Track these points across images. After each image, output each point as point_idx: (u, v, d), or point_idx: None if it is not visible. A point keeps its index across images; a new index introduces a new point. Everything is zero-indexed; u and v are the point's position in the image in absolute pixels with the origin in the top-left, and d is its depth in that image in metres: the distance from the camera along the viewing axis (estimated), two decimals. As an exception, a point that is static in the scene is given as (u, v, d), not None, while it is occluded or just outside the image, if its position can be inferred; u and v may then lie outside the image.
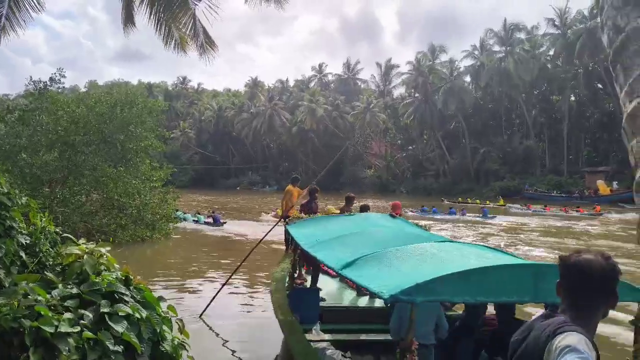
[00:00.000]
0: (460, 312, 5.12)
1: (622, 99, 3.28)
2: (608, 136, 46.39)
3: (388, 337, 4.34)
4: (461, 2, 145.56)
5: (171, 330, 2.99)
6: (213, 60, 8.74)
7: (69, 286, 2.80)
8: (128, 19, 8.59)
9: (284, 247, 9.47)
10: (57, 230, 3.43)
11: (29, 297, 2.57)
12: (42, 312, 2.45)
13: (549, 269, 2.71)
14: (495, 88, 50.44)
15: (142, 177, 15.48)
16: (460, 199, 40.57)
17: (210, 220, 20.78)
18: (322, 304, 5.70)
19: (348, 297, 6.50)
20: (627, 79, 3.22)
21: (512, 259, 3.43)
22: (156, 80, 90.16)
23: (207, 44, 8.49)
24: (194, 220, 21.17)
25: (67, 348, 2.37)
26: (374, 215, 6.25)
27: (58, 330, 2.40)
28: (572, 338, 1.42)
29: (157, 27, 8.21)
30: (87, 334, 2.47)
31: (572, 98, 50.13)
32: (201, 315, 7.48)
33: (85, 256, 3.02)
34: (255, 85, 75.65)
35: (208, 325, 7.17)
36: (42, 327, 2.38)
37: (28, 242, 3.11)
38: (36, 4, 7.81)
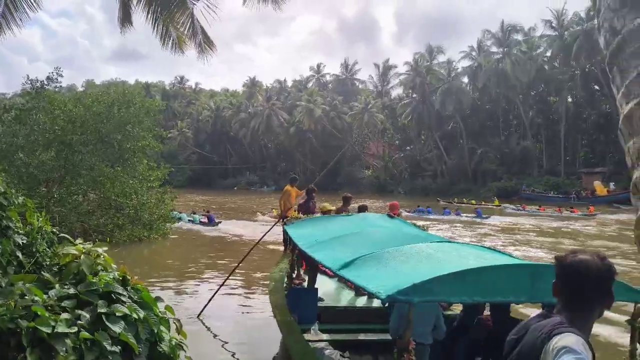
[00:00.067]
0: (458, 312, 5.13)
1: (618, 100, 3.30)
2: (605, 137, 46.55)
3: (386, 336, 4.35)
4: (459, 4, 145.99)
5: (169, 330, 2.98)
6: (211, 60, 8.74)
7: (65, 286, 2.80)
8: (125, 18, 8.57)
9: (280, 248, 9.46)
10: (54, 230, 3.42)
11: (26, 297, 2.56)
12: (39, 313, 2.44)
13: (546, 269, 2.73)
14: (493, 89, 50.54)
15: (139, 177, 15.45)
16: (455, 199, 40.66)
17: (206, 220, 20.79)
18: (320, 303, 5.70)
19: (346, 297, 6.50)
20: (623, 81, 3.23)
21: (509, 259, 3.44)
22: (154, 79, 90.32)
23: (205, 43, 8.47)
24: (189, 220, 21.16)
25: (64, 348, 2.37)
26: (372, 216, 6.27)
27: (55, 330, 2.40)
28: (568, 339, 1.43)
29: (154, 26, 8.18)
30: (85, 334, 2.47)
31: (569, 99, 50.28)
32: (199, 315, 7.47)
33: (82, 256, 3.01)
34: (253, 85, 75.61)
35: (206, 326, 7.16)
36: (39, 327, 2.37)
37: (25, 242, 3.09)
38: (33, 2, 7.77)
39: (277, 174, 64.05)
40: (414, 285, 2.55)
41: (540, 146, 51.14)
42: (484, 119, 54.70)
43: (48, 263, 3.13)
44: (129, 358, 2.60)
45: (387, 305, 3.74)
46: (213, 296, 7.79)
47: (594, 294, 1.55)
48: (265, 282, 7.95)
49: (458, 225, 23.52)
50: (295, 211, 8.45)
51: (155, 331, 2.81)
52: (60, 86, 16.53)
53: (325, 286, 6.61)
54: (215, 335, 6.84)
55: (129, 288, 2.95)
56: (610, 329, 6.75)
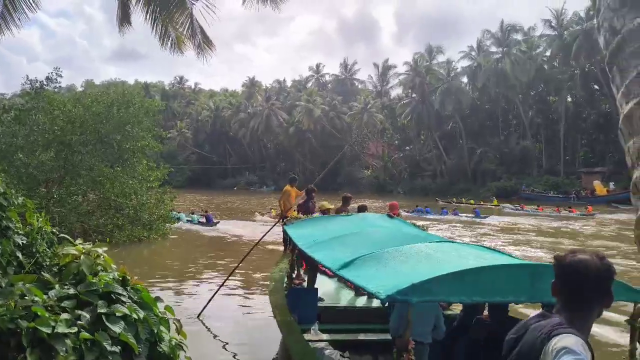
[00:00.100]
0: (458, 312, 5.13)
1: (618, 100, 3.30)
2: (605, 137, 46.61)
3: (386, 336, 4.35)
4: (459, 4, 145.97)
5: (169, 330, 2.98)
6: (210, 60, 8.74)
7: (65, 287, 2.80)
8: (124, 18, 8.56)
9: (280, 248, 9.47)
10: (54, 230, 3.41)
11: (26, 297, 2.56)
12: (39, 313, 2.44)
13: (546, 269, 2.72)
14: (492, 89, 50.55)
15: (139, 177, 15.45)
16: (454, 199, 40.71)
17: (204, 220, 20.79)
18: (320, 303, 5.70)
19: (346, 297, 6.50)
20: (623, 80, 3.24)
21: (508, 259, 3.44)
22: (153, 79, 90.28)
23: (204, 43, 8.47)
24: (187, 220, 21.17)
25: (64, 349, 2.37)
26: (372, 216, 6.27)
27: (55, 331, 2.40)
28: (568, 340, 1.43)
29: (153, 26, 8.18)
30: (85, 334, 2.47)
31: (569, 99, 50.31)
32: (199, 315, 7.47)
33: (82, 256, 3.01)
34: (252, 85, 75.63)
35: (206, 326, 7.16)
36: (39, 327, 2.37)
37: (24, 242, 3.09)
38: (32, 2, 7.77)
39: (277, 174, 64.05)
40: (412, 285, 2.55)
41: (540, 146, 51.17)
42: (483, 118, 54.72)
43: (48, 263, 3.13)
44: (129, 358, 2.60)
45: (387, 305, 3.74)
46: (213, 296, 7.79)
47: (593, 294, 1.55)
48: (265, 282, 7.95)
49: (457, 225, 23.54)
50: (294, 211, 8.46)
51: (155, 331, 2.81)
52: (60, 86, 16.54)
53: (325, 286, 6.61)
54: (215, 336, 6.84)
55: (128, 288, 2.95)
56: (610, 329, 6.76)
